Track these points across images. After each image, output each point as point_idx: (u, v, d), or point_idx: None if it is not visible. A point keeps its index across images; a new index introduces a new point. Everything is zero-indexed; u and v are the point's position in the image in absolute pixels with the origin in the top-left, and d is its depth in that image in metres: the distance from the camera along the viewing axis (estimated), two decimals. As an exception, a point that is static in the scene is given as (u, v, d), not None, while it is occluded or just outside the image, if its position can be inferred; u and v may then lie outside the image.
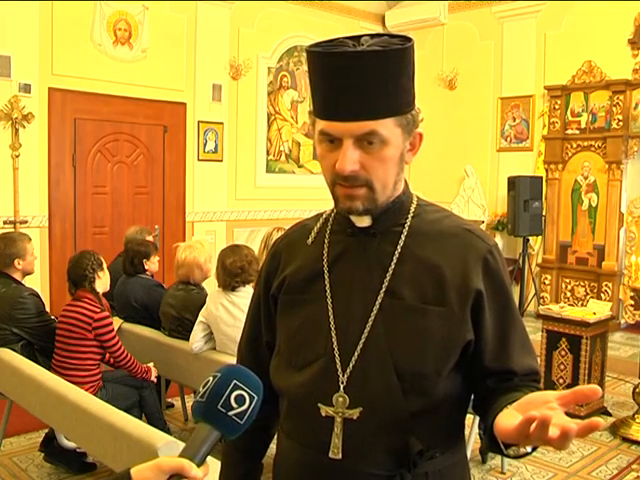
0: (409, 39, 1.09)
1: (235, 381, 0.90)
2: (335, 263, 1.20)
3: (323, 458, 1.12)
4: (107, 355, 3.35)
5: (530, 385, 1.15)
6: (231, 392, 0.89)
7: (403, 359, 1.11)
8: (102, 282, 3.38)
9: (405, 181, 1.22)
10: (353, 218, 1.18)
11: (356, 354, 1.12)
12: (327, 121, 1.09)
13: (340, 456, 1.11)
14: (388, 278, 1.14)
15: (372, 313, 1.13)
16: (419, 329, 1.11)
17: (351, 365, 1.12)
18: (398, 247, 1.16)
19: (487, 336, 1.14)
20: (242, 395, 0.90)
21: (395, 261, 1.15)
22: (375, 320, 1.13)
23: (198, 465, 0.85)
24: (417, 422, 1.11)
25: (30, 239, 3.69)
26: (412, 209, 1.20)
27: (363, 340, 1.12)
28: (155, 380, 3.48)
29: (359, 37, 1.08)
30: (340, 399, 1.11)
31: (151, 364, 3.48)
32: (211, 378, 0.92)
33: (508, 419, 0.92)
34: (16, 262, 3.53)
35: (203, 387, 0.91)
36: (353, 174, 1.08)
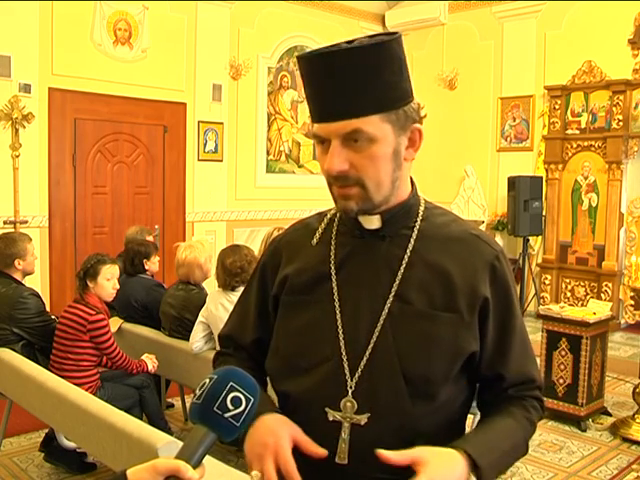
0: (393, 34, 1.09)
1: (231, 383, 0.90)
2: (342, 265, 1.18)
3: (329, 463, 1.10)
4: (104, 358, 3.35)
5: (523, 396, 1.17)
6: (227, 394, 0.89)
7: (411, 364, 1.10)
8: (95, 291, 3.31)
9: (413, 183, 1.21)
10: (362, 220, 1.16)
11: (365, 359, 1.11)
12: (316, 123, 1.11)
13: (346, 461, 1.10)
14: (397, 282, 1.13)
15: (381, 318, 1.12)
16: (428, 335, 1.10)
17: (359, 370, 1.11)
18: (407, 251, 1.15)
19: (487, 343, 1.14)
20: (238, 397, 0.90)
21: (404, 265, 1.14)
22: (384, 325, 1.11)
23: (194, 467, 0.85)
24: (423, 427, 1.10)
25: (30, 239, 3.69)
26: (421, 212, 1.19)
27: (372, 345, 1.11)
28: (153, 370, 3.45)
29: (355, 40, 1.09)
30: (348, 404, 1.10)
31: (144, 356, 3.44)
32: (207, 380, 0.92)
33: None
34: (16, 262, 3.53)
35: (200, 389, 0.91)
36: (342, 174, 1.08)
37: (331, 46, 1.08)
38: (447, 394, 1.11)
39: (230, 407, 0.89)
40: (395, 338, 1.11)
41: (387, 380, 1.10)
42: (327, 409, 1.11)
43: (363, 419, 1.09)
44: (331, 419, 1.11)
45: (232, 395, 0.89)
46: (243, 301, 1.34)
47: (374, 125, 1.07)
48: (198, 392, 0.91)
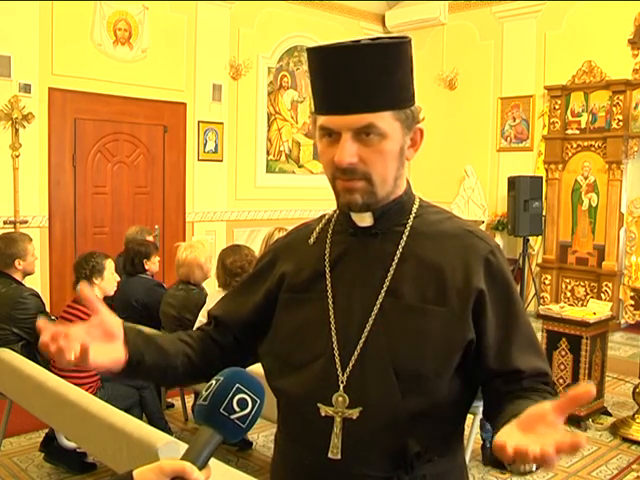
0: (405, 37, 1.12)
1: (238, 385, 0.90)
2: (337, 263, 1.20)
3: (322, 458, 1.12)
4: None
5: (540, 389, 1.12)
6: (234, 396, 0.89)
7: (402, 359, 1.10)
8: (102, 286, 3.36)
9: (407, 182, 1.22)
10: (355, 218, 1.18)
11: (356, 353, 1.12)
12: (326, 115, 1.11)
13: (339, 456, 1.10)
14: (389, 278, 1.14)
15: (372, 313, 1.13)
16: (419, 329, 1.11)
17: (351, 365, 1.12)
18: (399, 247, 1.16)
19: (489, 336, 1.13)
20: (245, 399, 0.90)
21: (396, 261, 1.15)
22: (375, 320, 1.12)
23: (200, 468, 0.85)
24: (416, 424, 1.10)
25: (31, 239, 3.69)
26: (414, 210, 1.21)
27: (363, 339, 1.12)
28: None
29: (359, 40, 1.10)
30: (340, 399, 1.11)
31: None
32: (214, 381, 0.92)
33: (505, 437, 0.89)
34: (17, 262, 3.53)
35: (206, 390, 0.91)
36: (351, 167, 1.10)
37: (340, 43, 1.10)
38: (443, 393, 1.11)
39: (236, 409, 0.89)
40: (386, 333, 1.12)
41: (378, 374, 1.11)
42: (319, 404, 1.12)
43: (355, 413, 1.10)
44: (323, 414, 1.12)
45: (238, 397, 0.90)
46: (237, 286, 1.41)
47: (386, 121, 1.09)
48: (204, 393, 0.91)
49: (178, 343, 1.27)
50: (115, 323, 1.11)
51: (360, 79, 1.07)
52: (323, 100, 1.12)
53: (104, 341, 1.09)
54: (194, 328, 3.37)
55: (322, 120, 1.12)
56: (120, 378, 1.19)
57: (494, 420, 1.09)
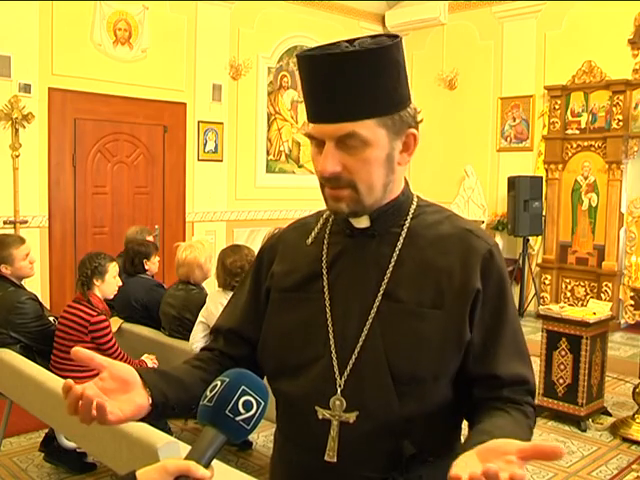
0: (395, 36, 1.09)
1: (243, 387, 0.90)
2: (334, 264, 1.19)
3: (318, 460, 1.11)
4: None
5: (519, 401, 1.11)
6: (239, 397, 0.89)
7: (399, 362, 1.09)
8: (101, 289, 3.35)
9: (406, 182, 1.21)
10: (351, 219, 1.17)
11: (353, 357, 1.11)
12: (312, 124, 1.11)
13: (335, 459, 1.10)
14: (386, 280, 1.13)
15: (369, 316, 1.12)
16: (416, 332, 1.10)
17: (348, 368, 1.11)
18: (396, 249, 1.15)
19: (475, 337, 1.12)
20: (250, 401, 0.90)
21: (393, 263, 1.14)
22: (372, 323, 1.12)
23: (204, 467, 0.85)
24: (412, 426, 1.10)
25: (21, 243, 3.58)
26: (412, 210, 1.19)
27: (360, 343, 1.11)
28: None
29: (356, 39, 1.09)
30: (337, 402, 1.11)
31: (144, 356, 3.45)
32: (219, 382, 0.91)
33: (459, 468, 0.86)
34: (2, 267, 3.48)
35: (210, 391, 0.91)
36: (334, 175, 1.08)
37: (330, 46, 1.08)
38: (439, 395, 1.10)
39: (242, 411, 0.89)
40: (383, 336, 1.11)
41: (375, 378, 1.10)
42: (317, 407, 1.12)
43: (352, 417, 1.09)
44: (320, 417, 1.11)
45: (244, 399, 0.89)
46: (237, 293, 1.35)
47: (369, 129, 1.07)
48: (209, 394, 0.91)
49: (193, 371, 1.22)
50: (127, 370, 1.05)
51: (340, 87, 1.05)
52: (308, 109, 1.12)
53: (122, 392, 1.03)
54: (193, 337, 3.36)
55: (310, 128, 1.12)
56: (151, 420, 1.15)
57: (470, 429, 1.07)
